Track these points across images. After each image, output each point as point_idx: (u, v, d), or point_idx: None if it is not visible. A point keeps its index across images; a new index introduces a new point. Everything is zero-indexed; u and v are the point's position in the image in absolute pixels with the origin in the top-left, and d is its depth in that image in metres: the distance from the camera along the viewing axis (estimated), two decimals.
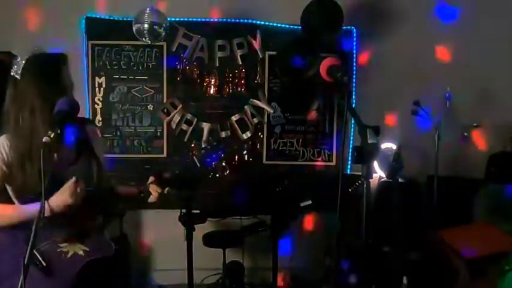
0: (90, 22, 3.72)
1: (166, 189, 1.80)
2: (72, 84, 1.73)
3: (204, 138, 3.82)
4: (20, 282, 1.28)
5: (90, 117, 3.71)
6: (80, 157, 1.76)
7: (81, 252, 1.67)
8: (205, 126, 3.83)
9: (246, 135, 3.88)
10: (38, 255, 1.64)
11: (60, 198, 1.61)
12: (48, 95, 1.61)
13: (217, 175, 3.85)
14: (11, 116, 1.64)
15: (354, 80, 3.94)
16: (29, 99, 1.62)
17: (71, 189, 1.61)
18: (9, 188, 1.68)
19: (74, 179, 1.63)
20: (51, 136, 1.39)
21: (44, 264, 1.65)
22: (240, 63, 3.84)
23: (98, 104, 3.78)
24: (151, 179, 1.82)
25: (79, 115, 1.63)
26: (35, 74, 1.65)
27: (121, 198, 1.90)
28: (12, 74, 1.66)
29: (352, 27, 3.89)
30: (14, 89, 1.65)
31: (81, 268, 1.69)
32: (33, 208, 1.61)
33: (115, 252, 1.77)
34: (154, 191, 1.76)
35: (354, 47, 3.92)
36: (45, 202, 1.43)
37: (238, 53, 3.82)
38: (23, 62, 1.66)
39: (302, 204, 3.30)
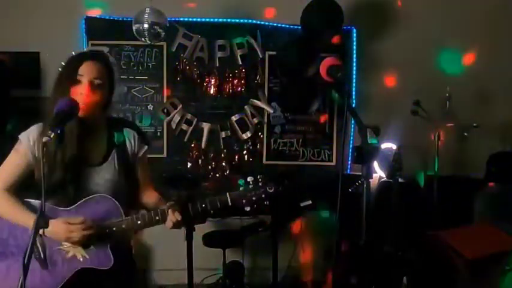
0: (90, 22, 3.71)
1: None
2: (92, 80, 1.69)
3: (204, 138, 3.83)
4: (20, 282, 1.28)
5: None
6: (108, 157, 1.71)
7: (79, 257, 1.63)
8: (205, 126, 3.83)
9: (246, 135, 3.88)
10: (39, 245, 1.64)
11: (53, 232, 1.59)
12: (54, 91, 1.64)
13: (217, 175, 3.85)
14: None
15: (354, 80, 3.94)
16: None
17: (70, 229, 1.58)
18: None
19: (80, 219, 1.60)
20: (51, 136, 1.38)
21: (42, 255, 1.65)
22: (240, 63, 3.84)
23: None
24: (169, 203, 1.70)
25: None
26: None
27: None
28: None
29: (352, 27, 3.89)
30: None
31: (78, 273, 1.65)
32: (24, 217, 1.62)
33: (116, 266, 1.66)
34: (172, 218, 1.62)
35: (354, 47, 3.92)
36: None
37: (238, 53, 3.82)
38: None
39: (302, 204, 3.30)
